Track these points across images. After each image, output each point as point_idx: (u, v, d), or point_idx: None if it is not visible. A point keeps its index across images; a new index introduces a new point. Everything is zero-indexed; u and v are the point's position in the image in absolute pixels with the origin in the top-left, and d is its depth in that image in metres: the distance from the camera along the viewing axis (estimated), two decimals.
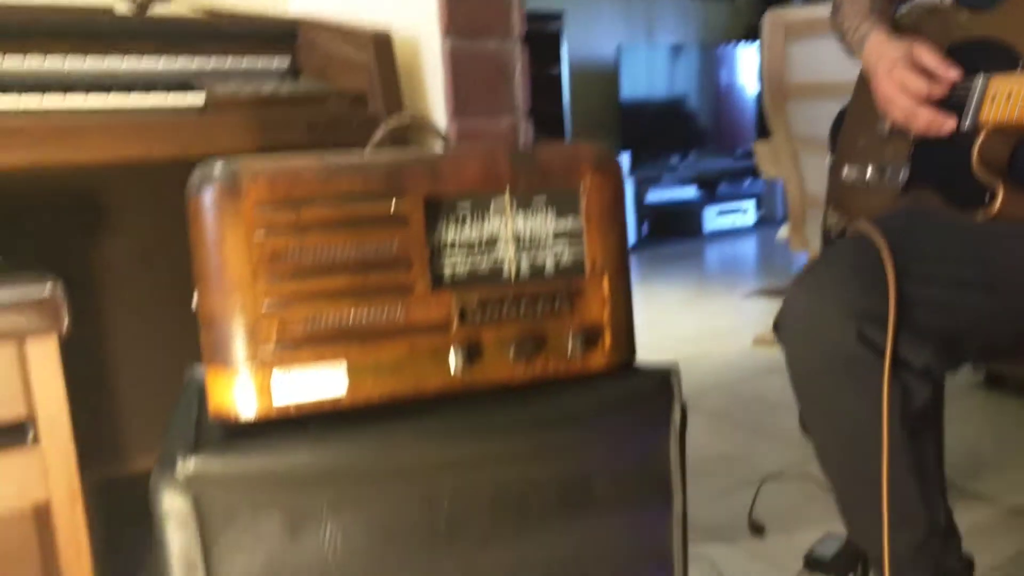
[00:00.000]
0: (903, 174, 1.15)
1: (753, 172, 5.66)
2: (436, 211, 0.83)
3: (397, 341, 0.81)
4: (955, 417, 1.91)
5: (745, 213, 5.67)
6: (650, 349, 0.98)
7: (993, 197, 0.99)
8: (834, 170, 1.30)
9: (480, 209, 0.84)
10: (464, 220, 0.84)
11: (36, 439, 1.00)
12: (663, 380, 0.87)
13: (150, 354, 1.33)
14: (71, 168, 1.13)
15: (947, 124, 1.01)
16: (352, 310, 0.80)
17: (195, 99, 1.22)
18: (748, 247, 5.32)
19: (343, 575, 0.80)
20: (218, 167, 0.78)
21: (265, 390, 0.79)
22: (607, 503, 0.86)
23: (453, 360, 0.82)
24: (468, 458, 0.82)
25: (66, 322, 1.00)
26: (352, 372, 0.81)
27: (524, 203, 0.86)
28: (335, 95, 1.34)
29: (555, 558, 0.85)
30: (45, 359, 1.00)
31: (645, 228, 5.61)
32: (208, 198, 0.78)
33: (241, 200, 0.77)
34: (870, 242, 0.98)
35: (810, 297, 0.96)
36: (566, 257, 0.87)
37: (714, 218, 5.65)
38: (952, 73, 1.01)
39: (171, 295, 1.09)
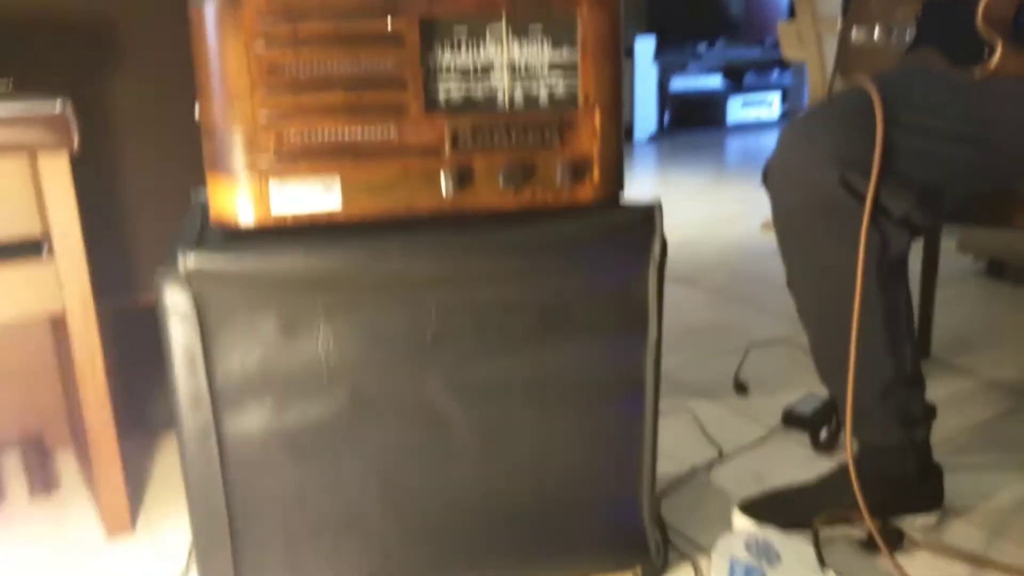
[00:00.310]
0: (909, 33, 1.14)
1: (780, 64, 5.53)
2: (432, 33, 0.84)
3: (390, 161, 0.84)
4: (951, 300, 1.95)
5: (770, 106, 5.56)
6: None
7: (992, 53, 0.99)
8: (843, 35, 1.29)
9: (476, 34, 0.85)
10: (460, 45, 0.85)
11: (51, 251, 1.06)
12: (646, 215, 0.90)
13: (159, 182, 1.37)
14: None
15: None
16: (347, 127, 0.83)
17: None
18: (770, 140, 5.25)
19: (335, 375, 0.86)
20: None
21: (263, 199, 0.83)
22: (585, 327, 0.91)
23: (444, 183, 0.86)
24: (454, 276, 0.86)
25: (76, 139, 1.04)
26: (346, 188, 0.84)
27: (520, 31, 0.87)
28: None
29: (534, 375, 0.91)
30: (56, 174, 1.04)
31: (667, 117, 5.53)
32: (209, 7, 0.79)
33: (241, 9, 0.79)
34: (864, 93, 0.98)
35: (796, 143, 0.98)
36: (559, 89, 0.89)
37: (738, 109, 5.55)
38: None
39: (182, 123, 1.11)
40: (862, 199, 0.94)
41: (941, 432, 1.37)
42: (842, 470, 1.12)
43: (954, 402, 1.50)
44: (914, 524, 1.11)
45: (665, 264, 0.92)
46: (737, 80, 5.63)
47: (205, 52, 0.81)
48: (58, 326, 1.19)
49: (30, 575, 1.07)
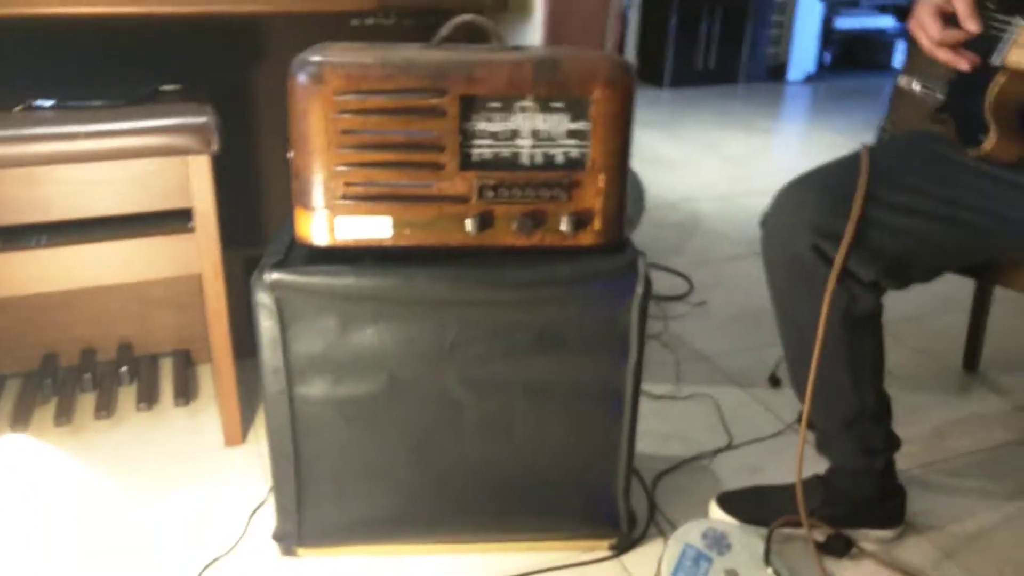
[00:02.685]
0: (941, 96, 1.22)
1: None
2: (470, 107, 1.05)
3: (429, 205, 1.08)
4: (1010, 315, 1.97)
5: None
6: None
7: (987, 137, 1.08)
8: (900, 77, 1.38)
9: (506, 109, 1.06)
10: (492, 116, 1.06)
11: (193, 229, 1.37)
12: (631, 262, 1.10)
13: (285, 167, 1.67)
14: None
15: (962, 64, 1.08)
16: (397, 178, 1.06)
17: None
18: None
19: (377, 363, 1.13)
20: (310, 59, 1.03)
21: (332, 228, 1.09)
22: (576, 347, 1.13)
23: (470, 225, 1.08)
24: (468, 300, 1.10)
25: (216, 144, 1.33)
26: (395, 224, 1.09)
27: (544, 107, 1.06)
28: None
29: (532, 378, 1.14)
30: (200, 171, 1.34)
31: (828, 57, 5.34)
32: (301, 82, 1.04)
33: (324, 87, 1.03)
34: (858, 163, 1.10)
35: (782, 206, 1.12)
36: (574, 153, 1.08)
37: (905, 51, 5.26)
38: (972, 26, 1.03)
39: None
40: (831, 264, 1.08)
41: (945, 451, 1.50)
42: (819, 478, 1.29)
43: (975, 422, 1.60)
44: (869, 536, 1.27)
45: (648, 303, 1.11)
46: None
47: (297, 113, 1.06)
48: (198, 281, 1.53)
49: (160, 470, 1.43)
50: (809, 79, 5.29)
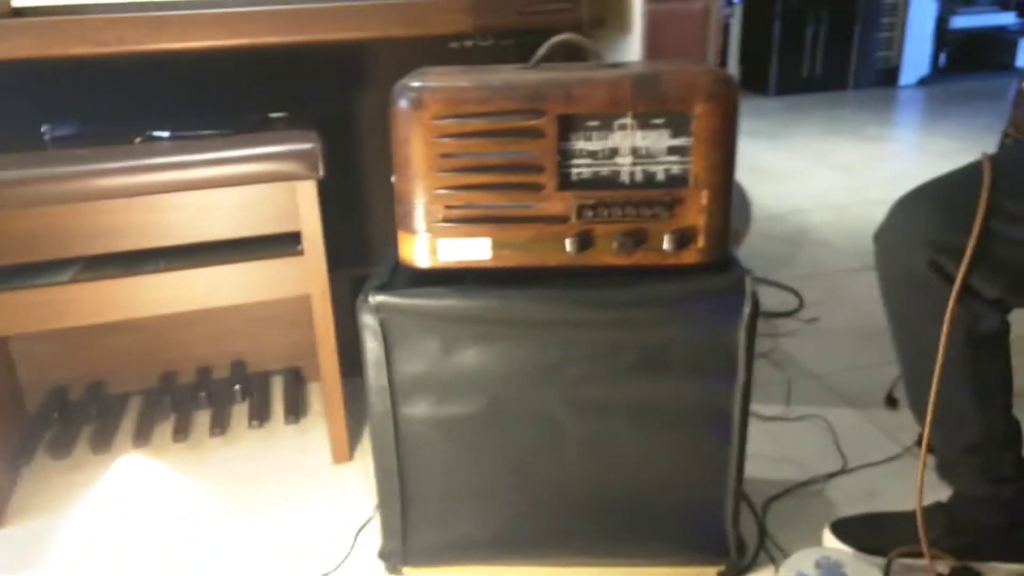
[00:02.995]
0: None
1: None
2: (568, 126, 1.04)
3: (528, 227, 1.07)
4: None
5: None
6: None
7: None
8: (1020, 83, 1.30)
9: (605, 126, 1.05)
10: (591, 135, 1.05)
11: (301, 251, 1.42)
12: (738, 281, 1.06)
13: (389, 189, 1.70)
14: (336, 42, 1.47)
15: None
16: (496, 200, 1.07)
17: None
18: None
19: (479, 384, 1.13)
20: (409, 85, 1.05)
21: (434, 251, 1.10)
22: (680, 368, 1.10)
23: (569, 245, 1.07)
24: (569, 320, 1.09)
25: (321, 169, 1.37)
26: (494, 245, 1.09)
27: (643, 124, 1.04)
28: None
29: (635, 400, 1.12)
30: (307, 195, 1.39)
31: (943, 58, 5.10)
32: (402, 108, 1.05)
33: (424, 112, 1.04)
34: (978, 174, 1.04)
35: (898, 220, 1.06)
36: (675, 170, 1.06)
37: None
38: None
39: None
40: (952, 280, 1.02)
41: None
42: (941, 505, 1.22)
43: None
44: (998, 570, 1.19)
45: (756, 324, 1.08)
46: None
47: (398, 138, 1.08)
48: (307, 301, 1.58)
49: (270, 487, 1.47)
50: (923, 82, 5.06)
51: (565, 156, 1.06)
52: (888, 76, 4.99)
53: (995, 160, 1.06)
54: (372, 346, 1.12)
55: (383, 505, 1.21)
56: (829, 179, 3.21)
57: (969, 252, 1.00)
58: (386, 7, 1.45)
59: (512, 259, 1.09)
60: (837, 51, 4.85)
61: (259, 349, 1.81)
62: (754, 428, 1.52)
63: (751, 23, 4.89)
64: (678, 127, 1.04)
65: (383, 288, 1.10)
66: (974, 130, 3.95)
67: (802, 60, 4.83)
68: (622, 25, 1.54)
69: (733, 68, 5.03)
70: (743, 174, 3.43)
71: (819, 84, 4.88)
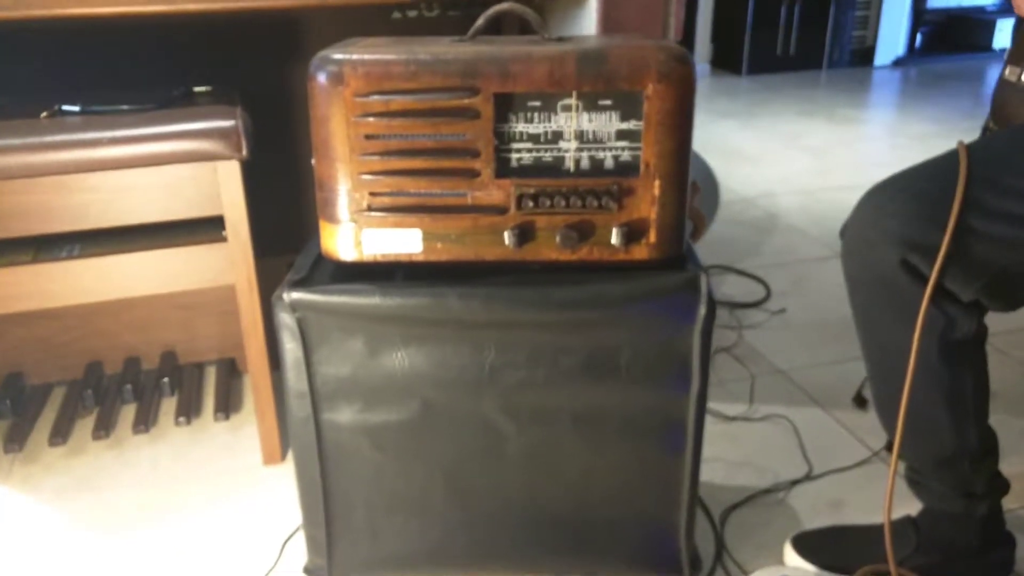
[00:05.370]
0: None
1: None
2: (506, 106, 0.94)
3: (462, 217, 0.97)
4: None
5: None
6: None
7: None
8: (1003, 70, 1.21)
9: (548, 108, 0.94)
10: (532, 116, 0.94)
11: (224, 238, 1.30)
12: (692, 280, 0.96)
13: None
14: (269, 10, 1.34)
15: None
16: (427, 187, 0.96)
17: None
18: None
19: (409, 388, 1.02)
20: (329, 57, 0.94)
21: (359, 242, 0.99)
22: (629, 373, 1.00)
23: (507, 238, 0.97)
24: (506, 321, 0.98)
25: (245, 149, 1.25)
26: (425, 237, 0.98)
27: (590, 105, 0.94)
28: None
29: (580, 407, 1.02)
30: (230, 177, 1.27)
31: (920, 39, 5.03)
32: (320, 83, 0.94)
33: (344, 88, 0.93)
34: (955, 164, 0.95)
35: (865, 215, 0.97)
36: (625, 156, 0.96)
37: (1009, 31, 4.92)
38: None
39: None
40: (925, 281, 0.93)
41: None
42: (910, 520, 1.14)
43: None
44: None
45: (711, 326, 0.98)
46: None
47: (317, 117, 0.96)
48: (231, 292, 1.46)
49: (192, 489, 1.37)
50: (898, 63, 4.99)
51: (503, 140, 0.95)
52: (864, 56, 4.91)
53: (972, 149, 0.96)
54: (291, 347, 1.02)
55: (307, 518, 1.11)
56: (800, 161, 3.12)
57: (944, 250, 0.91)
58: None
59: (445, 252, 0.99)
60: (812, 30, 4.76)
61: (191, 339, 1.70)
62: (714, 429, 1.43)
63: (724, 0, 4.78)
64: (628, 109, 0.94)
65: (301, 283, 0.99)
66: (950, 112, 3.89)
67: (776, 39, 4.73)
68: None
69: (705, 46, 4.92)
70: (712, 156, 3.34)
71: (793, 64, 4.79)
